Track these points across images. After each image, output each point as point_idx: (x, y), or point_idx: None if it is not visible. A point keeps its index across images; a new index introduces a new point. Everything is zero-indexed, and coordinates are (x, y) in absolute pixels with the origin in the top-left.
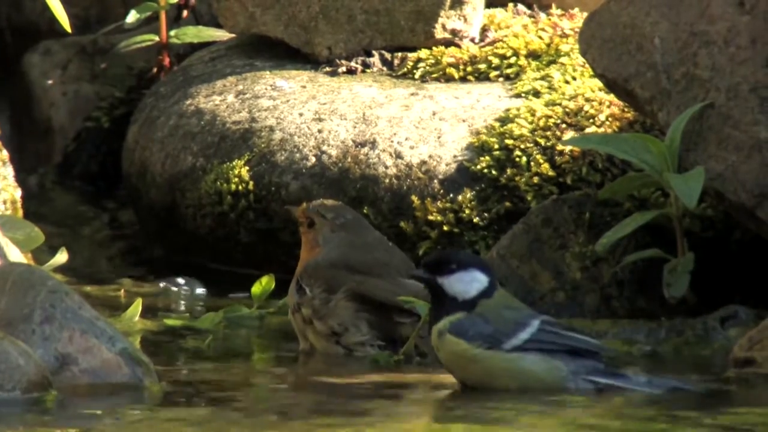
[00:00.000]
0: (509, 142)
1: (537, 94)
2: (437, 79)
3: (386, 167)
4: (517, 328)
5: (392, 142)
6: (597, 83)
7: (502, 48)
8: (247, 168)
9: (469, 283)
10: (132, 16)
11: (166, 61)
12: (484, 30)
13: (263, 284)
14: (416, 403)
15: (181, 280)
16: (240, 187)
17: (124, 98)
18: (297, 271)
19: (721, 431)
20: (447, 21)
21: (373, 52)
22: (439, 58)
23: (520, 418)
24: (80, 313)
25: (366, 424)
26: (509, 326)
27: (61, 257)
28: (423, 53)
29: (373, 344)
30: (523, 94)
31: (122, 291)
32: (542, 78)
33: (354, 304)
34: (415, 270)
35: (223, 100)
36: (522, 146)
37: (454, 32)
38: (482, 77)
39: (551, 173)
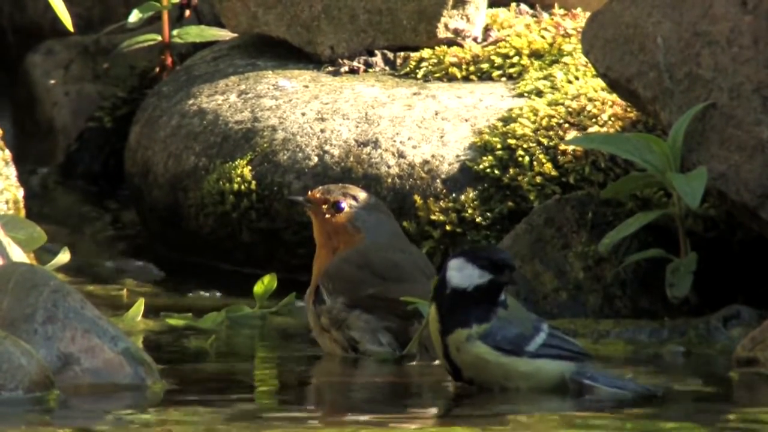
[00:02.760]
0: (512, 141)
1: (539, 93)
2: (440, 79)
3: (389, 167)
4: (534, 332)
5: (395, 141)
6: (599, 83)
7: (505, 47)
8: (249, 168)
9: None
10: (134, 16)
11: (169, 60)
12: (486, 29)
13: (265, 284)
14: (419, 403)
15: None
16: (242, 187)
17: (126, 98)
18: (316, 271)
19: (725, 430)
20: (449, 21)
21: (376, 51)
22: (441, 57)
23: (523, 419)
24: (83, 312)
25: (368, 424)
26: (529, 329)
27: (64, 257)
28: (425, 53)
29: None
30: (525, 94)
31: (124, 291)
32: (545, 78)
33: (374, 316)
34: (489, 274)
35: (225, 99)
36: (525, 146)
37: (457, 32)
38: (485, 77)
39: (554, 173)
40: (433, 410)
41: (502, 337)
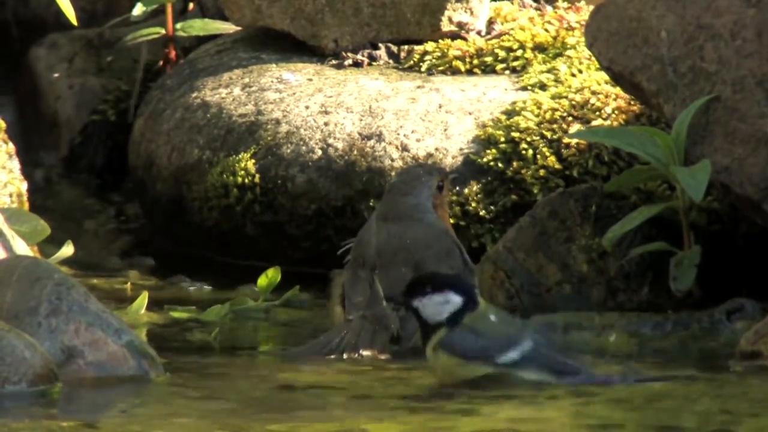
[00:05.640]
0: (515, 134)
1: (543, 86)
2: (443, 72)
3: (392, 160)
4: (509, 344)
5: (398, 134)
6: (603, 76)
7: (509, 41)
8: (253, 161)
9: (441, 305)
10: (138, 9)
11: (173, 54)
12: (490, 23)
13: (269, 277)
14: (418, 398)
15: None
16: (246, 180)
17: (130, 91)
18: None
19: (727, 424)
20: (453, 14)
21: (380, 44)
22: (445, 50)
23: (519, 411)
24: (86, 305)
25: (372, 419)
26: (501, 341)
27: (67, 250)
28: (429, 46)
29: None
30: (529, 87)
31: (128, 284)
32: (548, 71)
33: None
34: (395, 294)
35: (229, 92)
36: (528, 139)
37: (461, 25)
38: (488, 70)
39: (557, 166)
40: (434, 405)
41: (462, 348)
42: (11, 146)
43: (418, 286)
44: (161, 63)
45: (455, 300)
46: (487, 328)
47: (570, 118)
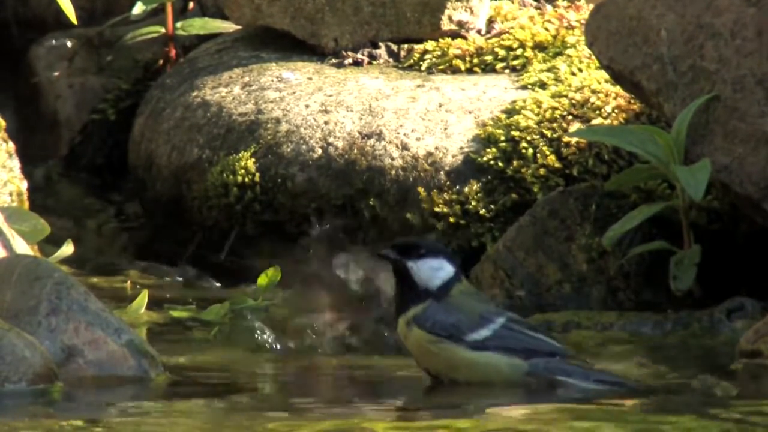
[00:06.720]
0: (515, 133)
1: (543, 85)
2: (443, 71)
3: (392, 159)
4: (481, 322)
5: (398, 133)
6: (603, 75)
7: (509, 40)
8: (253, 160)
9: (436, 270)
10: (138, 8)
11: (173, 52)
12: (490, 21)
13: (269, 276)
14: (419, 397)
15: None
16: (246, 179)
17: (130, 90)
18: None
19: (728, 422)
20: (453, 13)
21: (380, 43)
22: (445, 49)
23: (519, 412)
24: (86, 305)
25: (369, 419)
26: (473, 319)
27: (67, 249)
28: (429, 45)
29: None
30: (529, 86)
31: (128, 283)
32: (548, 70)
33: None
34: (384, 250)
35: (229, 91)
36: (528, 138)
37: (461, 24)
38: (488, 69)
39: (557, 165)
40: (435, 404)
41: (433, 322)
42: (11, 145)
43: (412, 247)
44: (161, 62)
45: (448, 268)
46: (466, 304)
47: (570, 117)
